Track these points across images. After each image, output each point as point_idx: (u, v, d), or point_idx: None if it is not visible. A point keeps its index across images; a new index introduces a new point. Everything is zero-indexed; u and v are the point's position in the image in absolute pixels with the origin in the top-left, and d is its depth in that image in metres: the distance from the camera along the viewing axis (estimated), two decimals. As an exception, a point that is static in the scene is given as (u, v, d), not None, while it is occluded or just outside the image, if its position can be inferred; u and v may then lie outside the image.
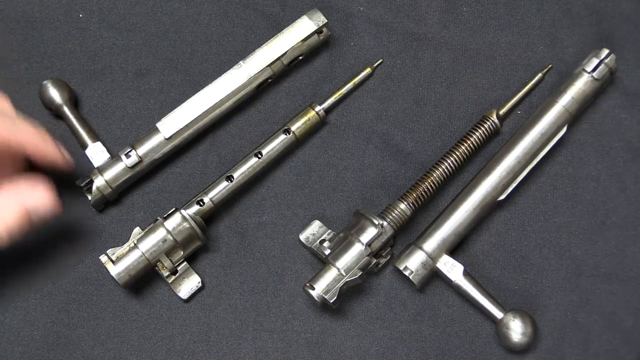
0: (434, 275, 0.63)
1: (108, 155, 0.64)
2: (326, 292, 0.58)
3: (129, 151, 0.63)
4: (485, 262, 0.65)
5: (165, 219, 0.60)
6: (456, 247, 0.63)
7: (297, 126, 0.65)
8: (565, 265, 0.64)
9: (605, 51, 0.65)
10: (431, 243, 0.62)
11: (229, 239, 0.65)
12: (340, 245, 0.60)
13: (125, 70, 0.69)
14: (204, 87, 0.64)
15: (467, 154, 0.65)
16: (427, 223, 0.64)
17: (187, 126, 0.63)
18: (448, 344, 0.62)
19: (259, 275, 0.64)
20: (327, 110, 0.67)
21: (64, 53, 0.69)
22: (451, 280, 0.61)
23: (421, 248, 0.62)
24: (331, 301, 0.58)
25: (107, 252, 0.60)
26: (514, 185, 0.64)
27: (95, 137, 0.65)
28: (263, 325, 0.62)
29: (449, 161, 0.64)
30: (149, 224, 0.61)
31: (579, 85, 0.65)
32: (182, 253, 0.61)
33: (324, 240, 0.62)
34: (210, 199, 0.62)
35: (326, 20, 0.66)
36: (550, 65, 0.68)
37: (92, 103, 0.68)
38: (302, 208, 0.65)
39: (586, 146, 0.67)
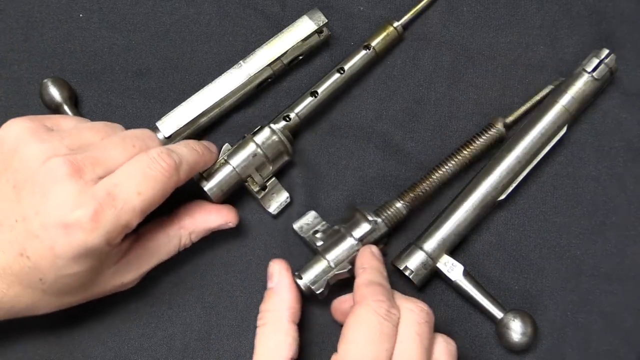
0: (434, 275, 0.63)
1: (108, 155, 0.64)
2: (313, 283, 0.58)
3: (129, 150, 0.63)
4: (485, 262, 0.65)
5: (255, 134, 0.62)
6: (456, 247, 0.63)
7: (376, 42, 0.67)
8: (565, 265, 0.64)
9: (605, 51, 0.65)
10: (431, 243, 0.62)
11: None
12: (333, 238, 0.60)
13: (125, 70, 0.69)
14: (204, 87, 0.65)
15: (470, 159, 0.65)
16: (427, 223, 0.64)
17: (187, 125, 0.63)
18: (448, 343, 0.62)
19: (261, 273, 0.64)
20: (405, 27, 0.69)
21: (64, 53, 0.69)
22: (451, 280, 0.61)
23: (421, 248, 0.62)
24: (317, 292, 0.58)
25: None
26: (514, 185, 0.64)
27: (95, 136, 0.65)
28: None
29: (449, 164, 0.64)
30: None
31: (579, 85, 0.65)
32: (271, 168, 0.63)
33: (317, 232, 0.62)
34: (297, 114, 0.64)
35: (326, 20, 0.66)
36: (562, 79, 0.67)
37: (92, 103, 0.68)
38: (301, 206, 0.65)
39: (586, 146, 0.67)
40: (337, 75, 0.65)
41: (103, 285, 0.55)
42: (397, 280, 0.64)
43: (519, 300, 0.63)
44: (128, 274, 0.56)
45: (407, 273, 0.61)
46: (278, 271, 0.58)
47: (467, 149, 0.65)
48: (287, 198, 0.64)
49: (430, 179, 0.64)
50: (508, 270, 0.64)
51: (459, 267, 0.61)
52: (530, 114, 0.67)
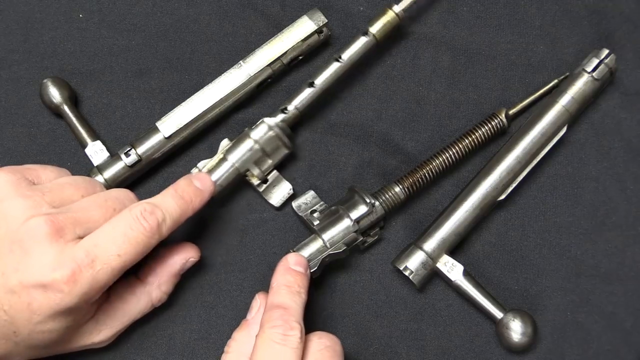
0: (434, 275, 0.63)
1: (107, 154, 0.64)
2: (308, 261, 0.58)
3: (129, 150, 0.63)
4: (485, 262, 0.65)
5: (252, 129, 0.62)
6: (456, 247, 0.63)
7: (377, 29, 0.65)
8: (565, 265, 0.64)
9: (605, 51, 0.65)
10: (431, 243, 0.62)
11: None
12: (330, 218, 0.61)
13: (125, 70, 0.69)
14: (204, 86, 0.65)
15: (470, 148, 0.65)
16: (427, 223, 0.64)
17: (186, 125, 0.63)
18: (448, 343, 0.62)
19: (261, 274, 0.64)
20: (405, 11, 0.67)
21: (64, 53, 0.69)
22: (451, 280, 0.61)
23: (421, 248, 0.62)
24: (311, 270, 0.58)
25: (198, 165, 0.63)
26: (514, 185, 0.64)
27: (95, 136, 0.65)
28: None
29: (449, 152, 0.64)
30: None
31: (579, 85, 0.65)
32: (270, 162, 0.63)
33: (315, 211, 0.62)
34: (295, 107, 0.64)
35: (326, 20, 0.66)
36: (567, 74, 0.67)
37: (92, 103, 0.68)
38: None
39: (586, 146, 0.67)
40: (335, 64, 0.64)
41: (75, 342, 0.55)
42: (398, 280, 0.64)
43: (519, 300, 0.63)
44: (100, 333, 0.56)
45: (407, 273, 0.61)
46: (257, 306, 0.57)
47: (468, 138, 0.65)
48: (290, 190, 0.64)
49: (430, 166, 0.64)
50: (508, 270, 0.64)
51: (459, 267, 0.61)
52: (533, 107, 0.67)
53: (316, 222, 0.61)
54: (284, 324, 0.51)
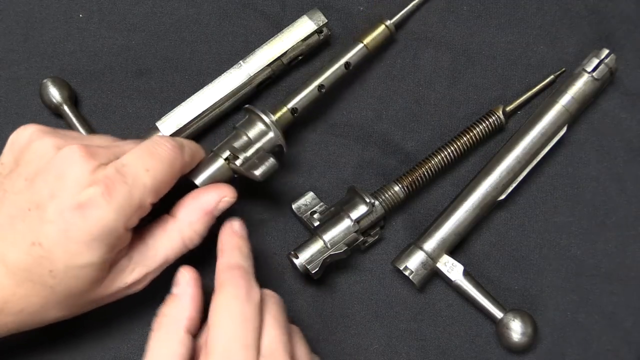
0: (434, 275, 0.63)
1: (108, 155, 0.64)
2: (309, 262, 0.59)
3: (129, 150, 0.63)
4: (485, 262, 0.65)
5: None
6: (456, 247, 0.63)
7: (368, 39, 0.66)
8: (565, 265, 0.64)
9: (605, 51, 0.65)
10: (431, 243, 0.62)
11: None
12: (330, 219, 0.61)
13: (125, 70, 0.69)
14: (204, 86, 0.65)
15: (468, 145, 0.65)
16: (427, 223, 0.64)
17: (187, 125, 0.64)
18: (448, 343, 0.62)
19: (260, 273, 0.64)
20: (398, 25, 0.69)
21: (64, 53, 0.69)
22: (451, 280, 0.61)
23: (421, 248, 0.62)
24: (313, 272, 0.59)
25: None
26: (514, 185, 0.64)
27: (95, 136, 0.65)
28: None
29: (448, 150, 0.64)
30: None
31: (579, 85, 0.65)
32: (257, 146, 0.61)
33: (314, 212, 0.62)
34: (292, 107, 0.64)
35: (326, 20, 0.66)
36: (563, 69, 0.68)
37: (92, 103, 0.68)
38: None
39: (586, 146, 0.67)
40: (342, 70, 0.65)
41: (109, 285, 0.54)
42: (398, 280, 0.64)
43: (519, 300, 0.63)
44: (133, 272, 0.55)
45: (407, 273, 0.61)
46: (186, 280, 0.55)
47: (466, 136, 0.65)
48: (274, 163, 0.58)
49: (429, 164, 0.64)
50: (508, 270, 0.64)
51: (459, 267, 0.61)
52: (533, 106, 0.67)
53: (316, 223, 0.61)
54: (246, 283, 0.52)
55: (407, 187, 0.63)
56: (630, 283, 0.64)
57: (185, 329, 0.53)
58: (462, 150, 0.64)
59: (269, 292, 0.55)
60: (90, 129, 0.65)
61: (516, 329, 0.59)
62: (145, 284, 0.56)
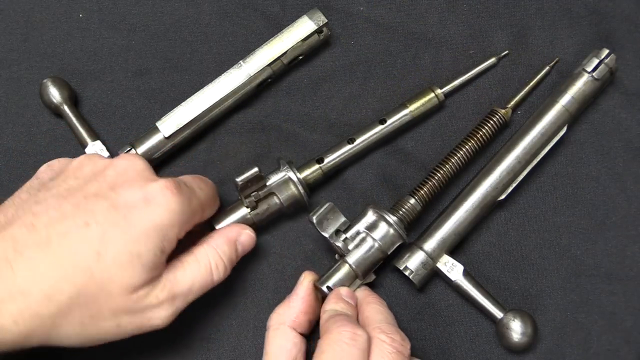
0: (434, 275, 0.63)
1: (108, 154, 0.64)
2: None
3: (129, 150, 0.63)
4: (485, 262, 0.65)
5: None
6: (456, 247, 0.63)
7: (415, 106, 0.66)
8: (565, 265, 0.64)
9: (605, 51, 0.65)
10: (431, 243, 0.62)
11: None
12: (354, 241, 0.59)
13: (125, 70, 0.69)
14: (204, 87, 0.65)
15: (477, 148, 0.65)
16: (427, 223, 0.64)
17: (187, 125, 0.64)
18: (448, 343, 0.62)
19: (260, 272, 0.64)
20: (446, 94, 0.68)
21: (64, 53, 0.69)
22: (451, 280, 0.61)
23: (421, 248, 0.62)
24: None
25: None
26: (514, 185, 0.64)
27: (95, 136, 0.65)
28: (263, 322, 0.61)
29: (458, 156, 0.64)
30: None
31: (579, 85, 0.65)
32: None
33: (339, 232, 0.60)
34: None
35: (326, 20, 0.66)
36: (557, 59, 0.68)
37: (92, 103, 0.68)
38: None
39: (586, 146, 0.67)
40: (379, 126, 0.66)
41: (137, 302, 0.52)
42: (398, 280, 0.64)
43: (519, 300, 0.63)
44: (162, 291, 0.53)
45: (407, 273, 0.61)
46: (301, 282, 0.60)
47: (473, 139, 0.64)
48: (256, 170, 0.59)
49: (440, 172, 0.63)
50: (508, 270, 0.64)
51: (459, 267, 0.61)
52: (533, 106, 0.67)
53: (339, 244, 0.59)
54: (352, 328, 0.53)
55: (422, 198, 0.62)
56: (630, 283, 0.64)
57: (290, 326, 0.58)
58: (471, 154, 0.64)
59: (387, 335, 0.54)
60: (90, 129, 0.65)
61: (516, 329, 0.59)
62: (169, 314, 0.54)
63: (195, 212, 0.55)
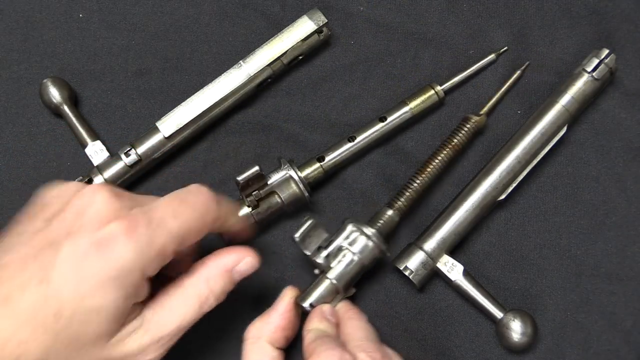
0: (434, 275, 0.63)
1: (107, 154, 0.64)
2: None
3: (129, 150, 0.63)
4: (485, 262, 0.65)
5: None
6: (456, 247, 0.63)
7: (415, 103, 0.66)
8: (565, 265, 0.64)
9: (605, 51, 0.65)
10: (431, 243, 0.62)
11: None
12: (335, 257, 0.59)
13: (125, 70, 0.69)
14: (204, 87, 0.65)
15: (451, 156, 0.64)
16: (427, 223, 0.64)
17: (187, 125, 0.64)
18: (448, 343, 0.62)
19: (258, 274, 0.64)
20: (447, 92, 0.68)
21: (64, 53, 0.69)
22: (451, 280, 0.61)
23: (421, 248, 0.62)
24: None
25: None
26: (514, 185, 0.64)
27: (95, 136, 0.65)
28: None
29: (432, 166, 0.64)
30: None
31: (579, 85, 0.65)
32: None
33: (320, 248, 0.59)
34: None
35: (326, 20, 0.66)
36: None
37: (92, 103, 0.68)
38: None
39: (586, 146, 0.67)
40: (379, 124, 0.66)
41: (116, 347, 0.49)
42: (398, 279, 0.64)
43: (519, 300, 0.63)
44: (144, 335, 0.50)
45: (407, 273, 0.61)
46: (281, 298, 0.58)
47: (448, 147, 0.64)
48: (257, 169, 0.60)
49: (417, 182, 0.63)
50: (508, 270, 0.64)
51: (459, 267, 0.61)
52: (530, 115, 0.67)
53: (320, 261, 0.58)
54: (340, 352, 0.51)
55: (399, 209, 0.62)
56: (630, 283, 0.64)
57: (266, 340, 0.56)
58: (446, 162, 0.64)
59: (367, 354, 0.53)
60: (90, 129, 0.65)
61: (516, 329, 0.59)
62: (157, 355, 0.51)
63: (165, 245, 0.48)
